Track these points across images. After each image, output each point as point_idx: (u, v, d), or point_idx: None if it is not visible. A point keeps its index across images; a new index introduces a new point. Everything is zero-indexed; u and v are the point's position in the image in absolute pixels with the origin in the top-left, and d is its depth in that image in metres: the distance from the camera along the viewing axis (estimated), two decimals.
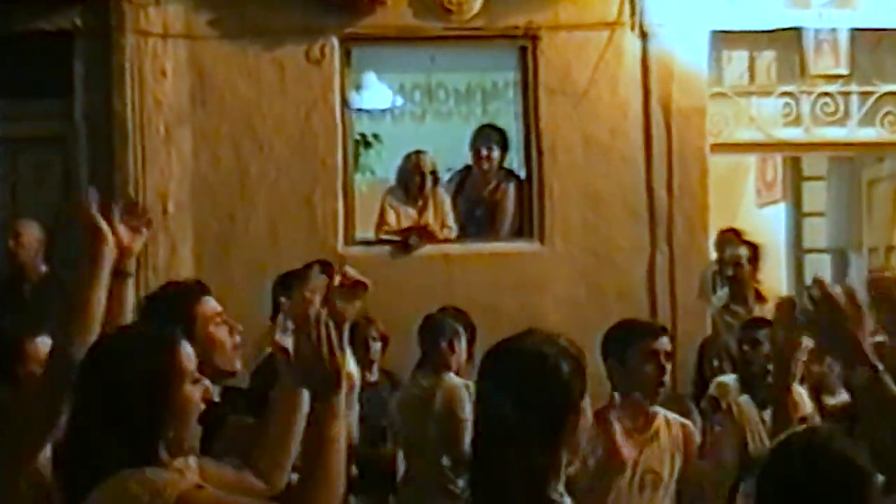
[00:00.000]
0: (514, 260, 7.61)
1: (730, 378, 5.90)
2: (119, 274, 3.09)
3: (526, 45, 7.66)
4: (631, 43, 7.56)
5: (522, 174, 7.87)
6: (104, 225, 2.97)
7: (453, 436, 5.42)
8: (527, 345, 2.48)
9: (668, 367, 4.31)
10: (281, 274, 5.43)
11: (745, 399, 5.52)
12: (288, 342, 2.79)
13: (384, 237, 7.66)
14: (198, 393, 2.53)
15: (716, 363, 6.65)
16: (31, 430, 2.91)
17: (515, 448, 2.33)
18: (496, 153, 7.87)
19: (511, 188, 7.87)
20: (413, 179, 7.72)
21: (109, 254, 2.96)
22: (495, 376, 2.44)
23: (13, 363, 3.23)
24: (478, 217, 7.98)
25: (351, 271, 2.98)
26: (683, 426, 4.41)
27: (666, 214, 7.60)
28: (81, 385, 2.52)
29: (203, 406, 2.54)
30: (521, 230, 7.83)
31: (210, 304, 3.34)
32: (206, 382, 2.58)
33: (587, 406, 2.45)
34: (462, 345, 5.80)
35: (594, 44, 7.57)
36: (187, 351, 2.54)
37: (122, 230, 3.11)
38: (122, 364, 2.48)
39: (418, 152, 7.81)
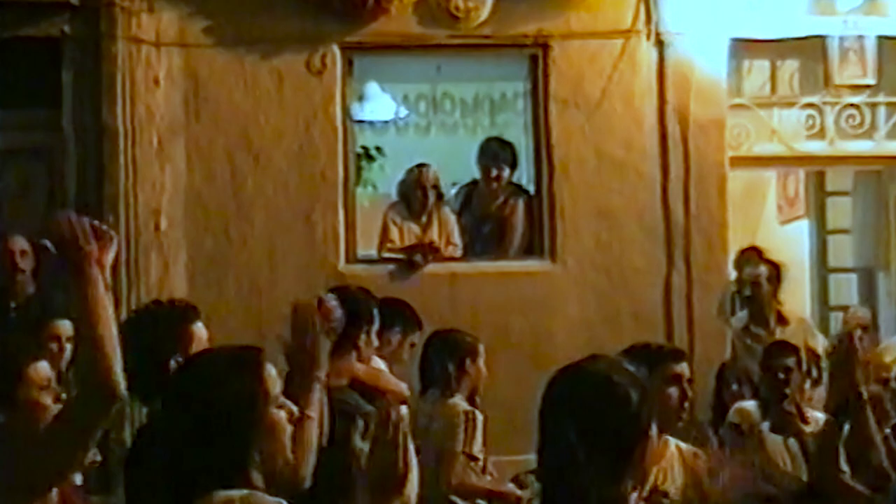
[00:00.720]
0: (523, 279, 7.59)
1: (751, 404, 5.88)
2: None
3: (536, 54, 7.68)
4: (646, 52, 7.57)
5: (532, 189, 7.87)
6: (88, 244, 2.96)
7: (445, 467, 5.31)
8: (594, 371, 2.51)
9: (690, 393, 4.29)
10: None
11: (766, 426, 5.49)
12: None
13: (387, 255, 7.66)
14: (284, 415, 2.58)
15: (735, 388, 6.62)
16: (48, 467, 2.95)
17: (581, 478, 2.38)
18: (506, 173, 7.86)
19: (520, 204, 7.87)
20: (416, 195, 7.72)
21: (98, 272, 2.96)
22: (561, 404, 2.48)
23: (14, 387, 3.27)
24: (485, 234, 7.97)
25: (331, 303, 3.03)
26: (696, 455, 4.39)
27: (683, 232, 7.61)
28: (171, 407, 2.58)
29: (291, 428, 2.59)
30: (531, 248, 7.83)
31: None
32: (290, 405, 2.63)
33: (654, 434, 2.50)
34: (480, 364, 5.72)
35: (608, 53, 7.58)
36: (272, 373, 2.59)
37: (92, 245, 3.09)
38: (212, 386, 2.52)
39: (421, 166, 7.81)
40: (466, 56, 7.95)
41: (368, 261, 7.68)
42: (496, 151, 7.93)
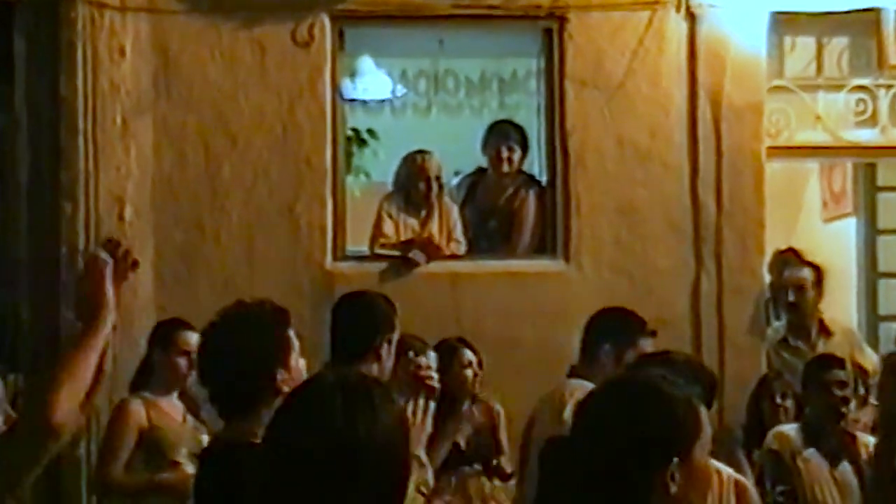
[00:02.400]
0: (534, 281, 7.58)
1: (791, 428, 5.86)
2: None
3: (551, 28, 7.66)
4: (676, 26, 7.55)
5: (544, 180, 7.86)
6: (111, 291, 3.10)
7: None
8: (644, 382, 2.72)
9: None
10: None
11: (811, 453, 5.47)
12: None
13: (380, 251, 7.64)
14: None
15: (778, 400, 6.55)
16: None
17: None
18: (517, 154, 7.85)
19: (531, 196, 7.86)
20: (416, 185, 7.70)
21: (110, 321, 3.10)
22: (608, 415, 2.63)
23: None
24: (491, 229, 7.97)
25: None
26: (737, 482, 4.40)
27: (714, 230, 7.59)
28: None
29: None
30: (543, 246, 7.82)
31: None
32: None
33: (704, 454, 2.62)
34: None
35: (632, 26, 7.56)
36: None
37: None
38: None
39: (421, 152, 7.79)
40: (472, 28, 7.93)
41: (359, 258, 7.67)
42: (506, 131, 7.92)
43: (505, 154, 7.84)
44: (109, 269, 3.14)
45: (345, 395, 2.53)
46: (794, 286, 7.42)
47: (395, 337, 4.87)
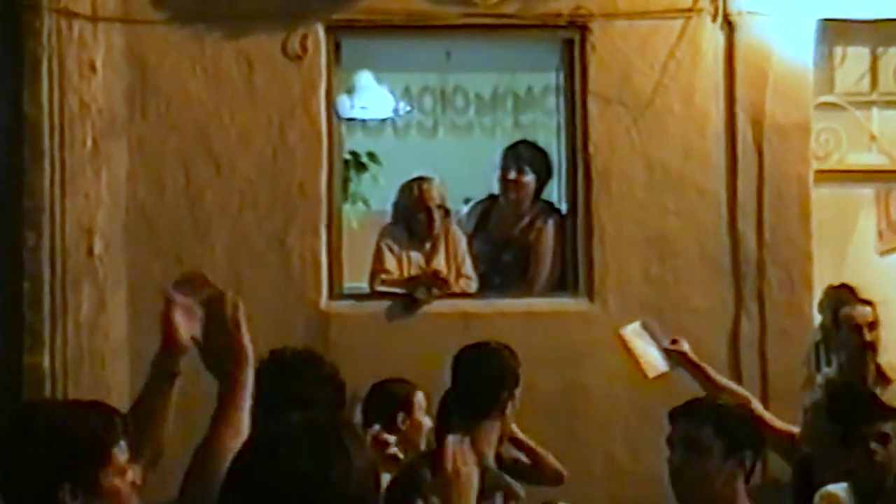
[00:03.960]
0: (553, 321, 7.57)
1: (840, 488, 5.84)
2: (172, 375, 3.53)
3: (571, 38, 7.68)
4: (712, 36, 7.56)
5: (564, 208, 7.86)
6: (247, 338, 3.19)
7: None
8: None
9: None
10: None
11: None
12: None
13: (382, 289, 7.62)
14: None
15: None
16: None
17: None
18: (529, 177, 7.85)
19: (549, 226, 7.88)
20: (415, 216, 7.71)
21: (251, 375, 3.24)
22: None
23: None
24: (505, 263, 7.97)
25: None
26: None
27: (755, 265, 7.59)
28: None
29: None
30: (563, 282, 7.82)
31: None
32: None
33: None
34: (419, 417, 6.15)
35: (662, 36, 7.58)
36: None
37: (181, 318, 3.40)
38: None
39: (420, 180, 7.79)
40: (484, 40, 7.94)
41: (358, 296, 7.67)
42: (518, 153, 7.91)
43: (512, 176, 7.83)
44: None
45: (316, 439, 2.64)
46: (848, 327, 7.38)
47: (519, 391, 5.27)
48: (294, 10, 7.49)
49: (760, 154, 7.57)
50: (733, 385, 6.65)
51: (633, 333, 6.76)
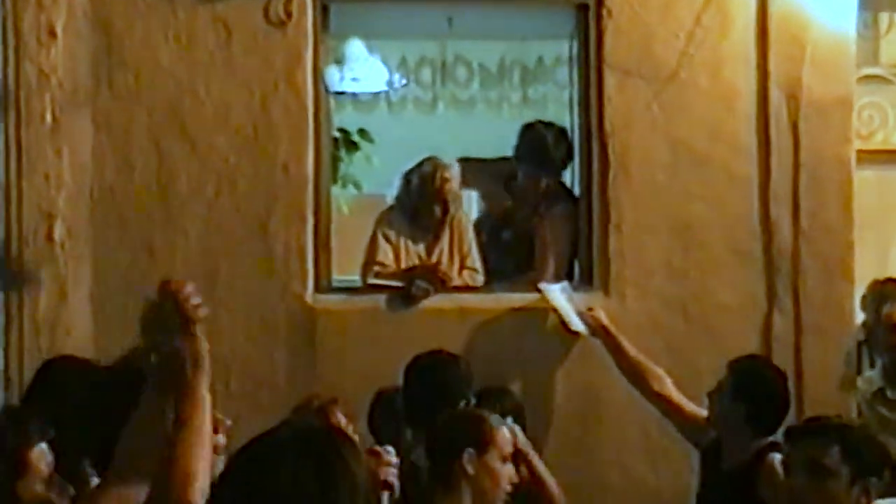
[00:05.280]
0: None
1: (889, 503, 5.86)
2: None
3: (586, 2, 7.67)
4: (743, 2, 7.56)
5: (577, 191, 7.85)
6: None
7: None
8: None
9: None
10: None
11: None
12: None
13: (375, 282, 7.61)
14: None
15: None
16: None
17: None
18: (544, 183, 7.84)
19: (560, 211, 7.84)
20: (429, 206, 7.69)
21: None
22: None
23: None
24: (504, 243, 7.99)
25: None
26: None
27: (790, 255, 7.60)
28: None
29: None
30: (573, 274, 7.78)
31: None
32: None
33: None
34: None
35: (687, 1, 7.58)
36: None
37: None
38: None
39: (439, 164, 7.76)
40: (489, 4, 7.94)
41: (348, 290, 7.69)
42: (546, 144, 7.87)
43: (544, 183, 7.86)
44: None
45: (315, 455, 2.76)
46: (886, 327, 7.38)
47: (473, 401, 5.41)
48: None
49: (796, 133, 7.57)
50: (647, 361, 6.98)
51: (557, 291, 7.31)
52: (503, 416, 6.35)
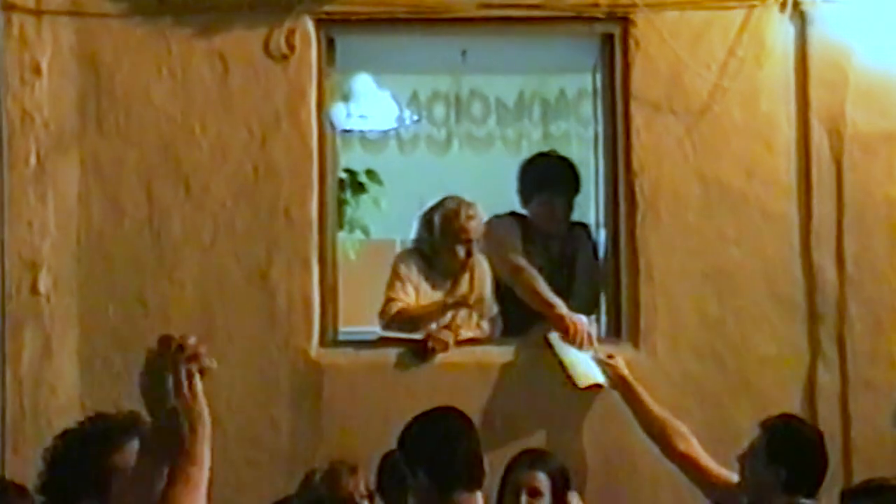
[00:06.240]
0: None
1: None
2: None
3: (611, 33, 7.69)
4: (780, 29, 7.58)
5: (603, 235, 7.83)
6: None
7: None
8: None
9: None
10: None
11: None
12: None
13: (388, 334, 7.60)
14: None
15: None
16: None
17: None
18: (559, 209, 7.84)
19: (583, 256, 7.86)
20: (452, 249, 7.73)
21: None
22: None
23: None
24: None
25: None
26: None
27: (835, 303, 7.59)
28: None
29: None
30: (602, 325, 7.74)
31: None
32: None
33: None
34: None
35: (720, 30, 7.60)
36: None
37: None
38: None
39: (464, 203, 7.76)
40: (506, 35, 7.94)
41: (356, 343, 7.67)
42: (558, 172, 7.88)
43: (561, 209, 7.92)
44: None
45: None
46: None
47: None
48: (280, 1, 7.48)
49: (839, 170, 7.58)
50: (671, 418, 7.02)
51: (564, 343, 7.31)
52: (554, 481, 6.40)
